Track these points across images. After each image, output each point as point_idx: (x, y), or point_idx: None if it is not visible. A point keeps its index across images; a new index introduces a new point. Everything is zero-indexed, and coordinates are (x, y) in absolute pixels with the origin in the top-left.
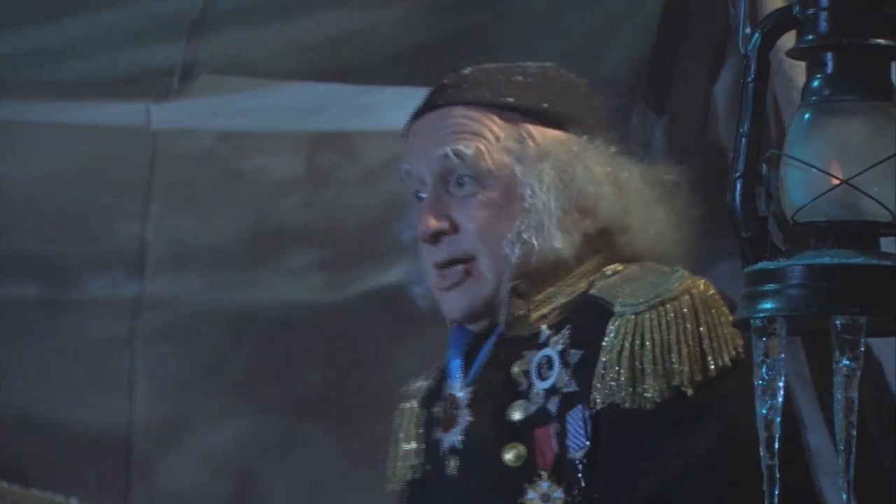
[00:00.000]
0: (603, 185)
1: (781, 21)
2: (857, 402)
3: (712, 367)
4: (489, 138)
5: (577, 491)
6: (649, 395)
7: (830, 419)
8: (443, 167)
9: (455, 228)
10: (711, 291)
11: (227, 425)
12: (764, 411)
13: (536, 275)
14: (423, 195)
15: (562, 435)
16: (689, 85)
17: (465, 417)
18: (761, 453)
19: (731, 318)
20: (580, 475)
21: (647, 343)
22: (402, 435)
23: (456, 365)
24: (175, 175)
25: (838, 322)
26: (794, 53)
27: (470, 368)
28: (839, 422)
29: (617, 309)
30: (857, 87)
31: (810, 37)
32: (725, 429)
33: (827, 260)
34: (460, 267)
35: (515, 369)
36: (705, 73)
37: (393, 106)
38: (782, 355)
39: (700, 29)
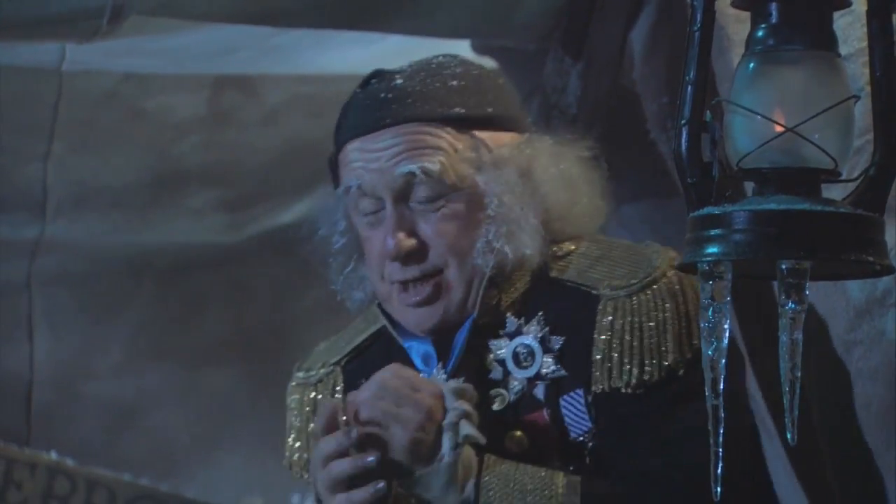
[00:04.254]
0: (555, 180)
1: None
2: (801, 344)
3: (697, 343)
4: (449, 151)
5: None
6: (646, 377)
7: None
8: (405, 184)
9: (423, 244)
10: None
11: (127, 368)
12: (710, 353)
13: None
14: (372, 211)
15: (557, 419)
16: (607, 30)
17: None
18: (706, 393)
19: None
20: (586, 456)
21: (645, 325)
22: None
23: (428, 353)
24: (78, 115)
25: (784, 266)
26: (738, 3)
27: (448, 356)
28: (784, 363)
29: (604, 293)
30: (800, 37)
31: None
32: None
33: (772, 206)
34: (431, 282)
35: (489, 356)
36: (623, 19)
37: (302, 47)
38: (728, 298)
39: None
